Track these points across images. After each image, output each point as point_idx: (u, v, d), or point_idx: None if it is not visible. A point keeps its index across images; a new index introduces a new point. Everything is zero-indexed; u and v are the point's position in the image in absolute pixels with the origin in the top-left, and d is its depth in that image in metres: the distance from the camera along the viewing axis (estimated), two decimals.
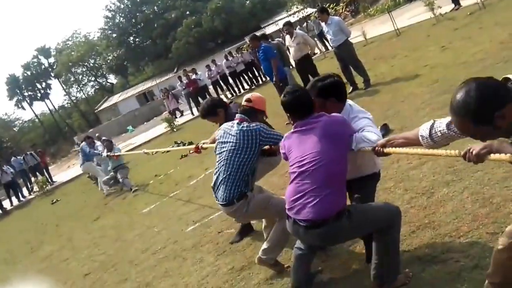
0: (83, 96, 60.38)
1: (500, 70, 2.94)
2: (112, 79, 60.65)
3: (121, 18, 52.14)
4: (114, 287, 4.63)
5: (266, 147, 3.43)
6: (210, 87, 18.89)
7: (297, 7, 33.93)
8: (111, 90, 55.91)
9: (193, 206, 6.02)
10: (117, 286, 4.60)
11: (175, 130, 16.26)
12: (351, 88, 8.28)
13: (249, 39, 8.53)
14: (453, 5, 12.08)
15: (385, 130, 5.20)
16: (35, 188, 16.94)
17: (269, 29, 36.56)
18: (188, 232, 5.12)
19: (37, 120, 60.56)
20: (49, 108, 60.63)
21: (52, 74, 57.52)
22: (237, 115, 3.48)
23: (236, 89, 18.57)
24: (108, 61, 54.83)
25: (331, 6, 22.86)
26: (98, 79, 59.97)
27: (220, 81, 18.51)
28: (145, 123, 28.46)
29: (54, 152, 46.03)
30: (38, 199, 15.82)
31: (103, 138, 12.04)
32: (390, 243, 2.54)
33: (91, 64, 58.17)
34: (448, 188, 3.41)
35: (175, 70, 40.52)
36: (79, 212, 9.81)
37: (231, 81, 18.60)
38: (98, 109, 44.79)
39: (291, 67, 9.03)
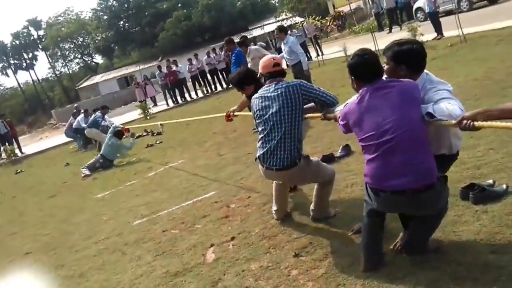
0: (67, 72, 58.64)
1: (470, 107, 2.80)
2: (98, 59, 59.14)
3: (114, 2, 50.81)
4: (50, 271, 4.30)
5: (311, 104, 3.24)
6: (189, 81, 18.50)
7: (286, 15, 33.87)
8: (95, 70, 54.43)
9: (146, 199, 5.72)
10: (53, 270, 4.28)
11: (148, 118, 15.82)
12: None
13: (224, 41, 8.28)
14: (435, 34, 11.99)
15: (346, 151, 4.93)
16: (3, 155, 16.16)
17: (256, 32, 36.38)
18: (134, 225, 4.83)
19: (19, 88, 58.48)
20: (32, 79, 58.91)
21: (40, 46, 55.88)
22: (270, 80, 3.29)
23: (213, 86, 18.24)
24: (96, 41, 53.34)
25: (317, 19, 22.82)
26: (84, 57, 58.25)
27: (199, 76, 18.13)
28: (122, 106, 27.77)
29: (31, 121, 44.58)
30: (4, 167, 15.08)
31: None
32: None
33: (79, 42, 56.49)
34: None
35: (159, 59, 39.66)
36: (38, 187, 9.33)
37: (209, 77, 18.25)
38: (79, 86, 43.50)
39: None
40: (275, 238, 3.43)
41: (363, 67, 2.43)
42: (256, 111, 3.27)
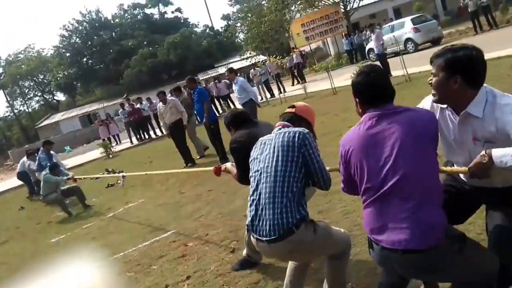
0: (27, 110, 57.11)
1: None
2: (60, 96, 58.16)
3: (77, 39, 50.82)
4: None
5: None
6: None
7: (250, 53, 34.94)
8: (57, 108, 53.41)
9: (102, 241, 5.62)
10: None
11: (110, 156, 15.59)
12: None
13: (186, 80, 8.51)
14: None
15: None
16: None
17: (221, 70, 37.12)
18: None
19: None
20: None
21: None
22: (278, 123, 2.67)
23: None
24: (58, 78, 52.61)
25: (278, 57, 23.69)
26: (44, 95, 57.17)
27: None
28: (84, 145, 27.23)
29: None
30: None
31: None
32: None
33: (40, 79, 55.54)
34: None
35: (124, 96, 39.52)
36: None
37: None
38: (39, 125, 42.38)
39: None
40: (229, 275, 3.48)
41: (367, 85, 1.99)
42: (253, 159, 2.57)
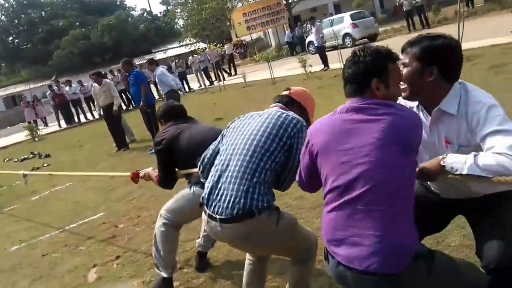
0: None
1: None
2: None
3: (3, 17, 46.95)
4: None
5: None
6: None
7: (190, 40, 34.26)
8: None
9: (26, 224, 5.33)
10: None
11: (36, 139, 14.69)
12: None
13: (122, 62, 8.22)
14: (323, 66, 13.01)
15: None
16: None
17: (159, 55, 36.12)
18: (11, 251, 4.49)
19: None
20: None
21: None
22: (273, 104, 2.28)
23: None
24: None
25: (219, 45, 23.51)
26: None
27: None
28: (8, 127, 25.38)
29: None
30: None
31: None
32: None
33: None
34: None
35: (53, 78, 37.16)
36: None
37: None
38: None
39: None
40: None
41: (349, 71, 1.65)
42: (226, 133, 2.20)
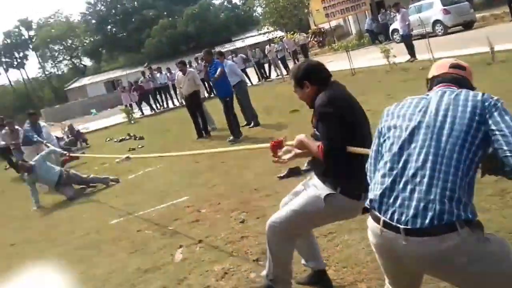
0: (57, 72, 58.33)
1: None
2: (86, 61, 58.84)
3: (102, 7, 50.80)
4: (32, 260, 4.57)
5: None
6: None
7: (268, 28, 34.21)
8: (84, 72, 54.02)
9: (124, 200, 5.95)
10: (35, 260, 4.54)
11: (132, 122, 15.95)
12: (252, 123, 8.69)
13: (203, 52, 8.33)
14: (409, 56, 11.81)
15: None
16: None
17: (238, 44, 36.65)
18: (112, 224, 5.07)
19: (10, 86, 57.86)
20: (23, 77, 58.52)
21: (31, 46, 55.94)
22: (438, 85, 1.75)
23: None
24: (85, 44, 53.26)
25: (295, 33, 23.11)
26: (72, 59, 58.02)
27: None
28: (108, 109, 27.75)
29: (21, 119, 43.81)
30: None
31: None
32: None
33: (68, 44, 56.39)
34: (350, 235, 3.23)
35: (145, 65, 39.70)
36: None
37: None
38: (68, 87, 43.14)
39: None
40: (238, 243, 3.61)
41: None
42: (384, 122, 1.71)
